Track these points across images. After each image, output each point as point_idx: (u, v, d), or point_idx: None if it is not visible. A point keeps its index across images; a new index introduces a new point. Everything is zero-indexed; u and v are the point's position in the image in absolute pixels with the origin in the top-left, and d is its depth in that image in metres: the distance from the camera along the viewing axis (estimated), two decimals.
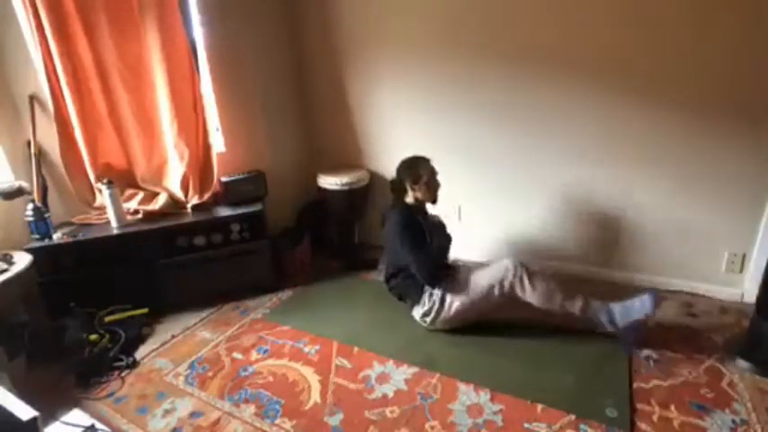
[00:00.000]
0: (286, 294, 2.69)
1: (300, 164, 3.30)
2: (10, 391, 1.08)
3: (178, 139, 2.54)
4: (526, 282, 1.93)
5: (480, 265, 2.19)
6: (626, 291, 2.46)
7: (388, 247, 2.27)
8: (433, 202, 2.26)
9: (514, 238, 2.78)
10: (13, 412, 0.97)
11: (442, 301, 2.07)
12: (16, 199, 2.15)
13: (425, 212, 2.30)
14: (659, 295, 1.91)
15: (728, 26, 1.96)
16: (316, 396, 1.83)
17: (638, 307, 1.90)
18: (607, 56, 2.23)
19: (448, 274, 2.14)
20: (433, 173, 2.22)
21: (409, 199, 2.24)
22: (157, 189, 2.65)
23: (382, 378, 1.91)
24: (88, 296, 2.31)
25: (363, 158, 3.15)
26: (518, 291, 1.95)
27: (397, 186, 2.26)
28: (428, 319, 2.13)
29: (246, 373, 1.99)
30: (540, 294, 1.93)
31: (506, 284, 1.96)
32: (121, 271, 2.38)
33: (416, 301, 2.15)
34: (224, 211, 2.59)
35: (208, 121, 2.64)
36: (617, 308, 1.95)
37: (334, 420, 1.69)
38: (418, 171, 2.19)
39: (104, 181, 2.35)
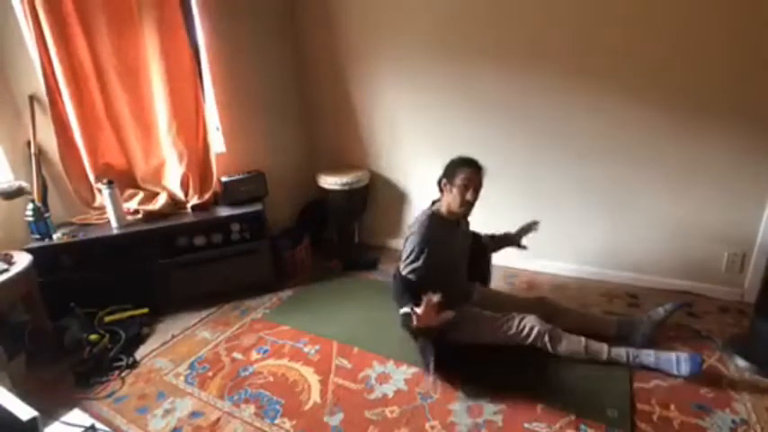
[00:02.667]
0: (286, 294, 2.69)
1: (300, 164, 3.30)
2: (10, 391, 1.08)
3: (177, 139, 2.54)
4: (549, 346, 1.87)
5: (498, 296, 2.09)
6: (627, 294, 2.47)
7: (403, 242, 2.02)
8: (462, 215, 1.98)
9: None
10: (13, 412, 0.97)
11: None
12: (16, 199, 2.15)
13: (457, 225, 2.03)
14: (703, 361, 1.77)
15: (729, 26, 1.96)
16: (316, 396, 1.83)
17: (674, 364, 1.77)
18: (607, 56, 2.23)
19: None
20: (471, 178, 1.88)
21: (442, 202, 1.99)
22: (157, 189, 2.65)
23: (382, 378, 1.91)
24: (88, 296, 2.31)
25: (363, 158, 3.15)
26: (539, 347, 1.89)
27: (438, 184, 2.00)
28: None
29: (246, 373, 1.99)
30: (563, 354, 1.88)
31: (527, 343, 1.89)
32: (121, 271, 2.38)
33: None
34: (224, 211, 2.59)
35: (208, 121, 2.64)
36: (651, 356, 1.82)
37: (334, 420, 1.69)
38: (455, 171, 1.91)
39: (104, 181, 2.35)
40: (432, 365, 1.86)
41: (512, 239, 2.23)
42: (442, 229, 1.95)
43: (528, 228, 2.21)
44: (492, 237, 2.26)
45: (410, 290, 1.86)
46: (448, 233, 1.99)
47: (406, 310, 1.77)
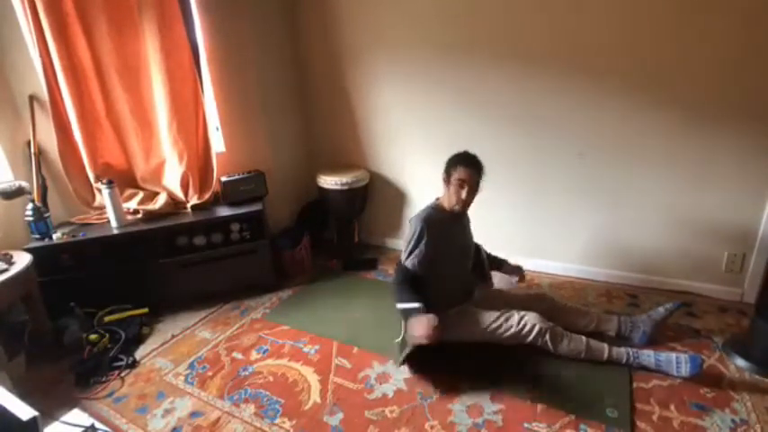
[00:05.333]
0: (286, 294, 2.69)
1: (300, 164, 3.30)
2: (10, 391, 1.08)
3: (177, 139, 2.54)
4: (549, 345, 1.87)
5: (498, 294, 2.08)
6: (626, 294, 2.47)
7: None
8: (460, 209, 1.93)
9: (513, 237, 2.78)
10: (14, 412, 0.97)
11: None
12: (16, 199, 2.15)
13: (458, 219, 2.04)
14: (703, 362, 1.77)
15: (729, 25, 1.96)
16: (315, 396, 1.83)
17: (674, 365, 1.77)
18: (606, 57, 2.23)
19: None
20: (465, 178, 1.87)
21: (444, 197, 1.99)
22: (157, 189, 2.65)
23: (382, 378, 1.91)
24: (88, 296, 2.32)
25: (363, 158, 3.16)
26: (539, 345, 1.89)
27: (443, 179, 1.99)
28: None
29: (246, 373, 1.99)
30: (564, 353, 1.88)
31: (527, 341, 1.88)
32: (121, 271, 2.38)
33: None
34: (224, 211, 2.59)
35: (208, 121, 2.64)
36: (651, 357, 1.82)
37: (334, 420, 1.69)
38: (453, 168, 1.90)
39: (104, 181, 2.35)
40: (401, 361, 1.88)
41: (502, 267, 2.25)
42: (442, 220, 1.95)
43: (516, 271, 2.22)
44: (488, 255, 2.27)
45: (408, 281, 1.88)
46: (448, 225, 1.99)
47: (411, 305, 1.78)
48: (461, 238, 2.10)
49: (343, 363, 2.02)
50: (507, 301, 2.06)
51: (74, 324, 2.20)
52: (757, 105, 2.01)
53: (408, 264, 1.89)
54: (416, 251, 1.88)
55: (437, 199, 2.03)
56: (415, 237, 1.88)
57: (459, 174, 1.88)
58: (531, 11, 2.32)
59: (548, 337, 1.86)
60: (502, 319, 1.91)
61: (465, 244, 2.13)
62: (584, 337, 1.88)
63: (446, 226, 1.96)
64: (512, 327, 1.89)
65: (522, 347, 1.91)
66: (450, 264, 2.01)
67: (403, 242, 1.99)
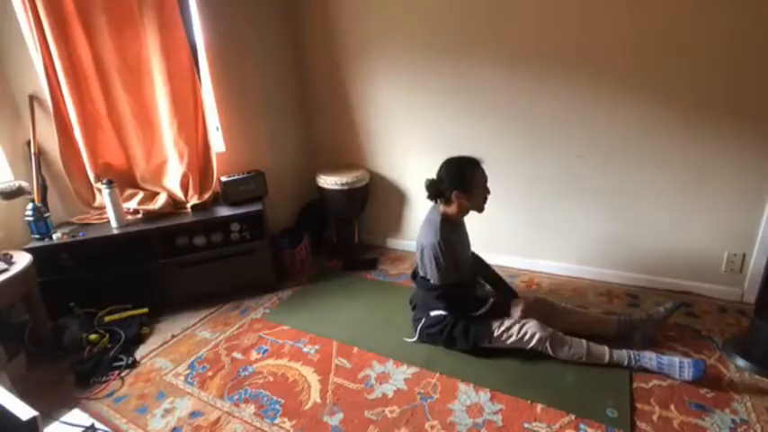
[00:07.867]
0: (286, 294, 2.69)
1: (300, 164, 3.30)
2: (10, 390, 1.08)
3: (178, 139, 2.55)
4: (550, 351, 1.87)
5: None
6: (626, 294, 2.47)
7: (419, 255, 2.06)
8: (480, 211, 2.01)
9: (513, 237, 2.78)
10: (13, 412, 0.97)
11: (451, 328, 1.98)
12: (16, 199, 2.16)
13: (461, 222, 2.11)
14: (707, 367, 1.77)
15: (728, 26, 1.96)
16: (315, 396, 1.83)
17: (677, 369, 1.75)
18: (606, 56, 2.23)
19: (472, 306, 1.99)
20: (485, 181, 1.94)
21: (450, 209, 1.98)
22: (157, 189, 2.65)
23: (382, 378, 1.91)
24: (88, 296, 2.32)
25: (363, 158, 3.15)
26: (541, 351, 1.90)
27: (435, 191, 1.99)
28: (421, 329, 2.08)
29: (246, 373, 1.99)
30: (565, 358, 1.87)
31: (528, 348, 1.89)
32: (121, 271, 2.38)
33: (425, 314, 2.08)
34: (224, 211, 2.59)
35: (208, 121, 2.65)
36: (653, 360, 1.80)
37: (334, 420, 1.69)
38: (470, 180, 1.90)
39: (104, 181, 2.35)
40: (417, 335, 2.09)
41: (490, 280, 2.27)
42: (452, 231, 1.99)
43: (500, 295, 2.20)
44: (483, 263, 2.32)
45: (456, 295, 1.98)
46: (457, 233, 2.04)
47: (485, 307, 1.97)
48: (466, 239, 2.16)
49: (343, 363, 2.02)
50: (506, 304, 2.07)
51: (74, 324, 2.20)
52: (757, 105, 2.01)
53: (449, 280, 1.96)
54: (444, 269, 1.94)
55: (440, 213, 2.01)
56: (441, 259, 1.92)
57: (482, 177, 1.94)
58: (532, 11, 2.31)
59: (548, 343, 1.86)
60: (503, 327, 1.92)
61: (468, 242, 2.18)
62: (584, 342, 1.87)
63: (455, 235, 2.01)
64: (512, 335, 1.90)
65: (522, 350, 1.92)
66: (462, 268, 2.06)
67: (422, 265, 2.03)
